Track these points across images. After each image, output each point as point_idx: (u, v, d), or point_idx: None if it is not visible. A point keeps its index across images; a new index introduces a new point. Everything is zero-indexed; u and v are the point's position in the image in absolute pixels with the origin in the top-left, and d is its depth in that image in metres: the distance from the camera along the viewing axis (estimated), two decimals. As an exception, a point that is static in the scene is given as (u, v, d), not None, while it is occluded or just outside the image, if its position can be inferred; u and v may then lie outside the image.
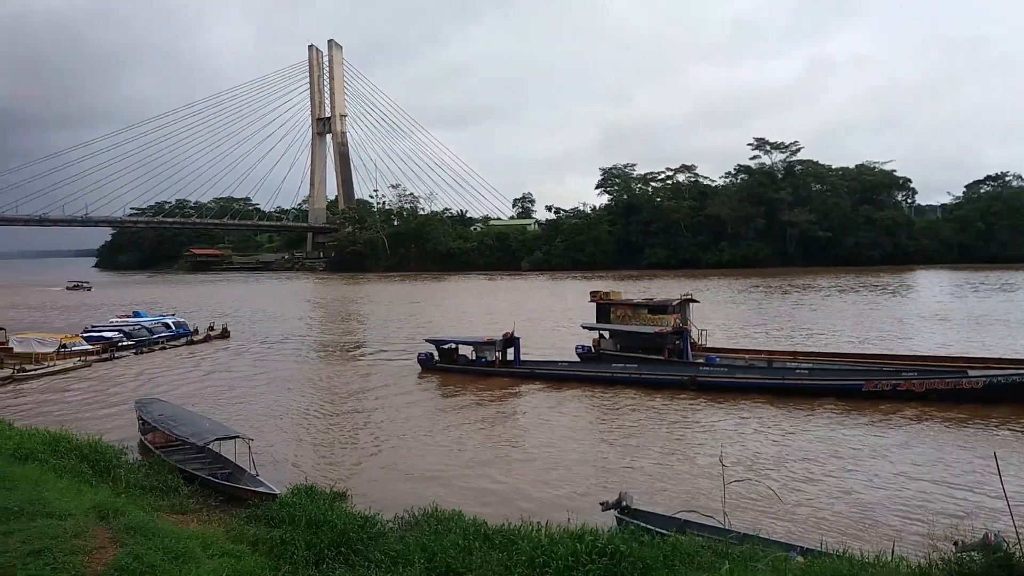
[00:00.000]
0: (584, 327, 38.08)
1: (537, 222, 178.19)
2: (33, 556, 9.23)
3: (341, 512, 13.67)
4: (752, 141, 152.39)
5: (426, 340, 37.66)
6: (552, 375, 32.59)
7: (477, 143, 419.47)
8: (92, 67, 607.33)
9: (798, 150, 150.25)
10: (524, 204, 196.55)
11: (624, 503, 13.77)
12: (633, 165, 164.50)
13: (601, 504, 14.11)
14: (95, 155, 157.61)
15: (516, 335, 34.41)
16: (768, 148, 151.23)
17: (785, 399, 26.80)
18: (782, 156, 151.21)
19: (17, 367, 36.27)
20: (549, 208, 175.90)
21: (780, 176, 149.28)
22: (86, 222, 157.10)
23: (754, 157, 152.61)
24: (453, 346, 35.83)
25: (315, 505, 13.93)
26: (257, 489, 16.39)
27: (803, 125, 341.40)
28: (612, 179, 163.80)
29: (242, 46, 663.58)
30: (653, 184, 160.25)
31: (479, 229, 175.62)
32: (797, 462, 19.51)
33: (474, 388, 31.26)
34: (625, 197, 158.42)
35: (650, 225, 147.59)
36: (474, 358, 34.87)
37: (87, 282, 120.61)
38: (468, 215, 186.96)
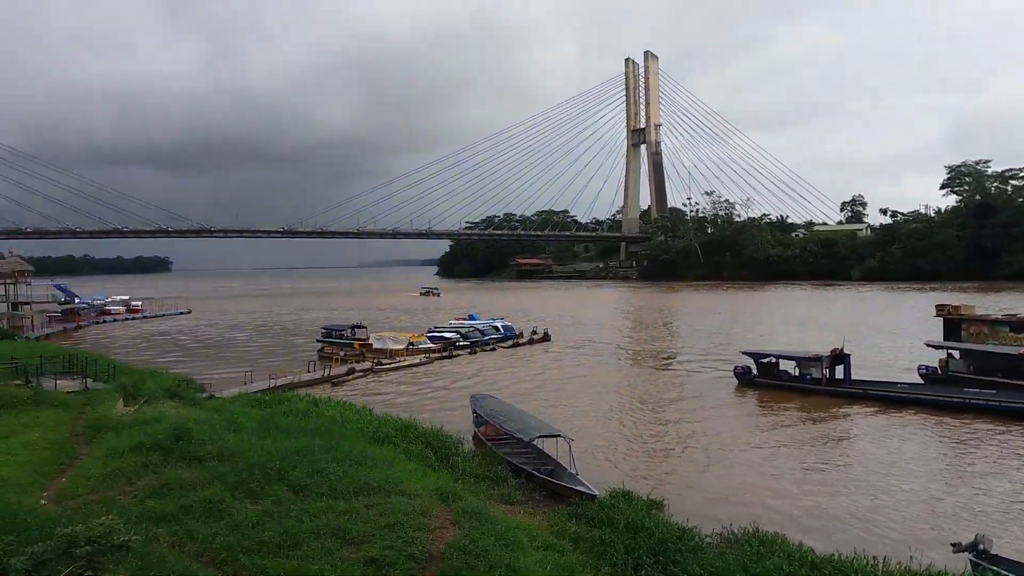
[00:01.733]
0: (929, 345, 34.07)
1: (870, 227, 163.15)
2: (388, 528, 10.56)
3: (658, 520, 13.70)
4: None
5: (743, 352, 36.29)
6: (889, 397, 29.53)
7: (799, 145, 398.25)
8: (432, 94, 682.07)
9: None
10: (854, 208, 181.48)
11: (981, 546, 12.01)
12: (987, 162, 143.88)
13: (952, 545, 12.44)
14: (435, 175, 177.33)
15: (845, 351, 31.67)
16: None
17: None
18: None
19: (375, 361, 42.33)
20: (883, 211, 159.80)
21: None
22: (429, 235, 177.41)
23: None
24: (773, 360, 33.97)
25: (632, 510, 14.14)
26: (577, 488, 17.02)
27: None
28: (961, 178, 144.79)
29: (566, 65, 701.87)
30: (1013, 183, 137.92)
31: (801, 235, 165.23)
32: None
33: (797, 406, 29.39)
34: (977, 197, 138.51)
35: (1010, 229, 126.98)
36: (797, 374, 32.72)
37: (437, 288, 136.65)
38: (789, 221, 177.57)
